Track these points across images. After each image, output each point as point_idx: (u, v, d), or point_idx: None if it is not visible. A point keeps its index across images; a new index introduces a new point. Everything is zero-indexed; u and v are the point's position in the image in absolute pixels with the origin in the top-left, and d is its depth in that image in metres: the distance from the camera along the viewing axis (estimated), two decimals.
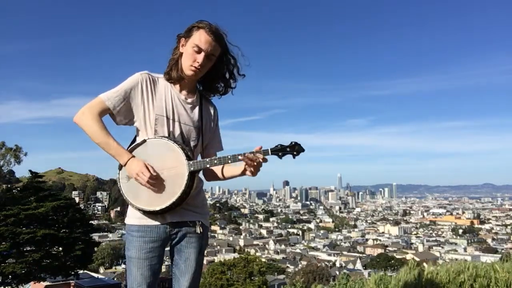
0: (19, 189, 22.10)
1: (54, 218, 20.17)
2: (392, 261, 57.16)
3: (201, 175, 2.04)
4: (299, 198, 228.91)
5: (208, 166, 1.89)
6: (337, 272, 41.18)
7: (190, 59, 1.90)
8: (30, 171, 22.01)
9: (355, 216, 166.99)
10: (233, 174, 2.02)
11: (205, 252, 2.11)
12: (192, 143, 1.98)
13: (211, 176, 2.11)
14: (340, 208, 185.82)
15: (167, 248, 2.01)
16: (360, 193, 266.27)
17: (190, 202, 1.93)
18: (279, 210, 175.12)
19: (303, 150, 1.88)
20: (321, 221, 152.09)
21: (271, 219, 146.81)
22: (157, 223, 1.88)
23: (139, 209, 1.86)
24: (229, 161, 1.87)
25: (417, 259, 36.69)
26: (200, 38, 1.88)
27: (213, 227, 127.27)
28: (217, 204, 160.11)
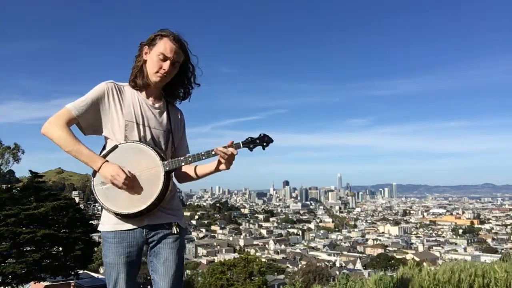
0: (19, 189, 22.07)
1: (54, 218, 20.16)
2: (392, 261, 57.06)
3: (174, 179, 2.07)
4: (299, 198, 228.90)
5: (183, 164, 1.94)
6: (337, 272, 41.14)
7: (156, 66, 1.95)
8: (30, 171, 22.02)
9: (355, 216, 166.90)
10: (206, 171, 2.08)
11: (186, 252, 2.13)
12: (163, 147, 2.01)
13: (184, 177, 2.15)
14: (340, 208, 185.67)
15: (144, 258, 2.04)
16: (360, 193, 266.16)
17: (167, 205, 1.95)
18: (279, 210, 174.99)
19: (272, 141, 1.99)
20: (321, 221, 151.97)
21: (271, 219, 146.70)
22: (133, 227, 1.90)
23: (118, 214, 1.86)
24: (203, 157, 1.93)
25: (417, 259, 36.68)
26: (165, 46, 1.94)
27: (213, 227, 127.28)
28: (217, 204, 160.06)
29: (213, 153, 1.93)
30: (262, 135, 1.98)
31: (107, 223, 1.91)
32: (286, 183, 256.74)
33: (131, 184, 1.85)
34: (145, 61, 1.99)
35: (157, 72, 1.95)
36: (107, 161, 1.86)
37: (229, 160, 1.96)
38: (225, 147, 1.93)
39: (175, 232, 1.97)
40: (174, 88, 2.10)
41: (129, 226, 1.89)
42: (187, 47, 2.01)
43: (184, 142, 2.18)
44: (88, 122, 1.90)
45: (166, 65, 1.94)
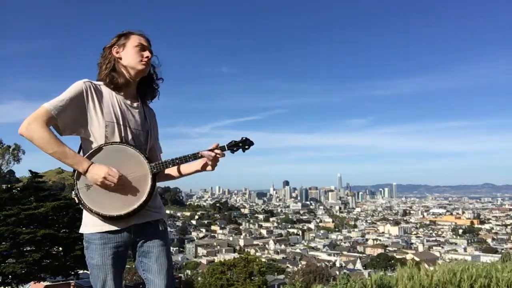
0: (19, 189, 22.04)
1: (54, 218, 20.14)
2: (392, 261, 57.06)
3: None
4: (299, 198, 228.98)
5: (170, 166, 1.97)
6: (337, 272, 41.13)
7: (137, 56, 1.97)
8: (30, 171, 21.98)
9: (355, 216, 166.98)
10: (191, 170, 2.15)
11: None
12: (142, 147, 2.00)
13: (165, 177, 2.18)
14: (340, 208, 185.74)
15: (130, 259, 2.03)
16: (360, 193, 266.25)
17: (151, 204, 1.95)
18: (279, 210, 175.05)
19: (252, 144, 2.10)
20: (321, 221, 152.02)
21: (271, 219, 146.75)
22: (120, 228, 1.87)
23: (105, 216, 1.82)
24: (190, 159, 2.00)
25: (417, 259, 36.70)
26: (139, 38, 2.00)
27: (213, 227, 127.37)
28: (217, 204, 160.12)
29: (199, 155, 2.01)
30: (244, 138, 2.10)
31: (93, 225, 1.86)
32: (286, 183, 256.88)
33: (122, 184, 1.82)
34: (118, 59, 1.97)
35: (140, 60, 1.96)
36: (93, 163, 1.81)
37: (214, 162, 2.05)
38: (210, 150, 2.02)
39: (162, 229, 2.00)
40: (147, 86, 2.09)
41: (115, 227, 1.86)
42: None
43: (158, 142, 2.19)
44: (66, 122, 1.82)
45: (147, 53, 1.98)
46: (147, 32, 2.06)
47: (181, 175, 2.17)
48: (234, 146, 2.08)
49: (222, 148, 2.04)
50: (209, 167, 2.07)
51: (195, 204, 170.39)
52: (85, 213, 1.90)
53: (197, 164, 2.10)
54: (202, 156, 2.01)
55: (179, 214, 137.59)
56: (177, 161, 1.96)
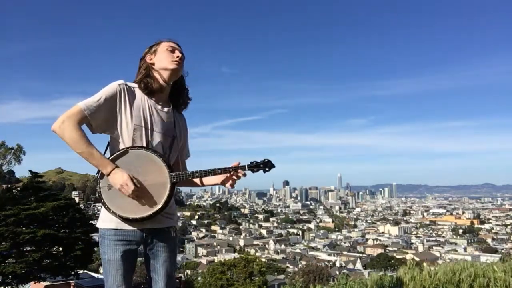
0: (19, 189, 22.05)
1: (54, 218, 20.14)
2: (392, 261, 57.10)
3: None
4: (299, 198, 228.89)
5: (189, 178, 2.03)
6: (337, 272, 41.14)
7: (169, 56, 2.03)
8: (30, 171, 21.98)
9: (355, 216, 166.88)
10: (212, 183, 2.22)
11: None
12: (167, 152, 2.04)
13: (186, 182, 2.24)
14: (340, 208, 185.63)
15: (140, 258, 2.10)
16: (360, 193, 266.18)
17: (167, 210, 2.00)
18: (279, 210, 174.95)
19: (274, 167, 2.14)
20: (321, 221, 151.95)
21: (271, 219, 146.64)
22: (134, 228, 1.94)
23: (120, 217, 1.89)
24: (210, 174, 2.05)
25: (417, 259, 36.67)
26: (169, 43, 2.07)
27: (213, 227, 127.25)
28: (217, 204, 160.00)
29: (219, 171, 2.05)
30: (266, 160, 2.13)
31: (109, 221, 1.93)
32: (286, 183, 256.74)
33: (140, 191, 1.89)
34: (151, 65, 2.04)
35: (172, 60, 2.02)
36: (117, 166, 1.88)
37: (234, 180, 2.12)
38: (231, 168, 2.06)
39: (173, 235, 2.08)
40: (179, 94, 2.16)
41: (130, 227, 1.93)
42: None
43: (186, 148, 2.26)
44: (99, 122, 1.90)
45: (178, 53, 2.05)
46: (172, 37, 2.11)
47: (202, 185, 2.23)
48: (255, 167, 2.11)
49: (243, 168, 2.08)
50: (228, 185, 2.12)
51: (195, 204, 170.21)
52: (103, 210, 1.96)
53: (217, 178, 2.16)
54: (221, 173, 2.06)
55: (179, 214, 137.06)
56: (196, 174, 2.02)
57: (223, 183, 2.14)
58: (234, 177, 2.10)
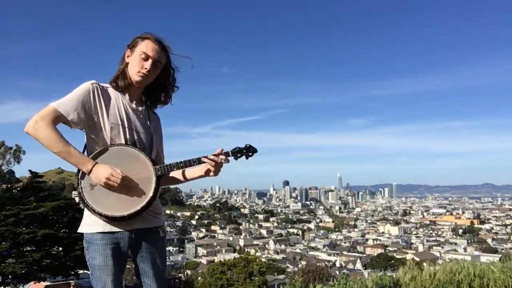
0: (19, 189, 22.05)
1: (54, 218, 20.14)
2: (392, 261, 57.16)
3: None
4: (299, 198, 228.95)
5: (174, 169, 1.97)
6: (337, 272, 41.16)
7: (138, 65, 1.95)
8: (30, 171, 21.99)
9: (355, 216, 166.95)
10: (195, 175, 2.14)
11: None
12: (148, 150, 2.01)
13: (169, 180, 2.18)
14: (340, 208, 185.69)
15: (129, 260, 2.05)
16: (360, 193, 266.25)
17: (152, 209, 1.96)
18: (279, 210, 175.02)
19: (256, 151, 2.09)
20: (321, 221, 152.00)
21: (271, 219, 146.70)
22: (122, 230, 1.87)
23: (107, 217, 1.82)
24: (194, 164, 1.99)
25: (417, 259, 36.69)
26: (147, 45, 1.95)
27: (213, 227, 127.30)
28: (217, 204, 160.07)
29: (204, 160, 1.99)
30: (248, 145, 2.08)
31: (95, 225, 1.85)
32: (286, 183, 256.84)
33: (126, 185, 1.83)
34: (127, 64, 1.99)
35: (138, 71, 1.94)
36: (97, 163, 1.82)
37: (218, 167, 2.03)
38: (214, 155, 2.00)
39: (162, 236, 2.03)
40: (155, 91, 2.09)
41: (118, 228, 1.87)
42: (168, 50, 2.03)
43: (162, 146, 2.19)
44: (74, 121, 1.83)
45: (148, 64, 1.94)
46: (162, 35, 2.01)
47: (185, 179, 2.16)
48: (238, 153, 2.06)
49: (226, 154, 2.03)
50: (211, 173, 2.04)
51: (195, 204, 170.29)
52: (86, 213, 1.89)
53: (200, 169, 2.09)
54: (206, 161, 2.00)
55: (179, 214, 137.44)
56: (181, 164, 1.96)
57: (207, 173, 2.06)
58: (217, 164, 2.01)
